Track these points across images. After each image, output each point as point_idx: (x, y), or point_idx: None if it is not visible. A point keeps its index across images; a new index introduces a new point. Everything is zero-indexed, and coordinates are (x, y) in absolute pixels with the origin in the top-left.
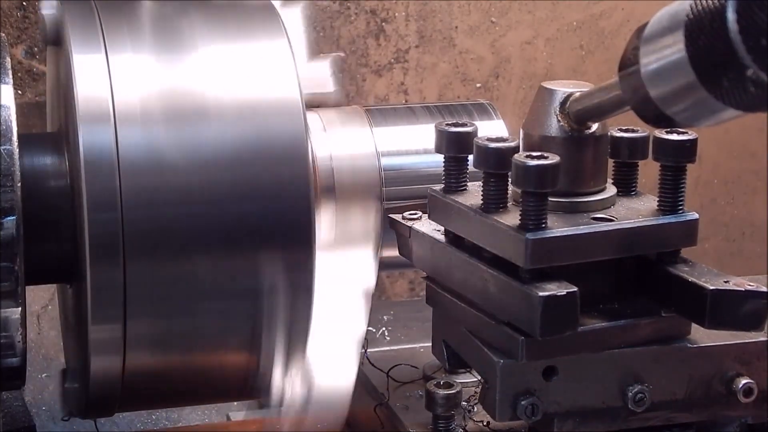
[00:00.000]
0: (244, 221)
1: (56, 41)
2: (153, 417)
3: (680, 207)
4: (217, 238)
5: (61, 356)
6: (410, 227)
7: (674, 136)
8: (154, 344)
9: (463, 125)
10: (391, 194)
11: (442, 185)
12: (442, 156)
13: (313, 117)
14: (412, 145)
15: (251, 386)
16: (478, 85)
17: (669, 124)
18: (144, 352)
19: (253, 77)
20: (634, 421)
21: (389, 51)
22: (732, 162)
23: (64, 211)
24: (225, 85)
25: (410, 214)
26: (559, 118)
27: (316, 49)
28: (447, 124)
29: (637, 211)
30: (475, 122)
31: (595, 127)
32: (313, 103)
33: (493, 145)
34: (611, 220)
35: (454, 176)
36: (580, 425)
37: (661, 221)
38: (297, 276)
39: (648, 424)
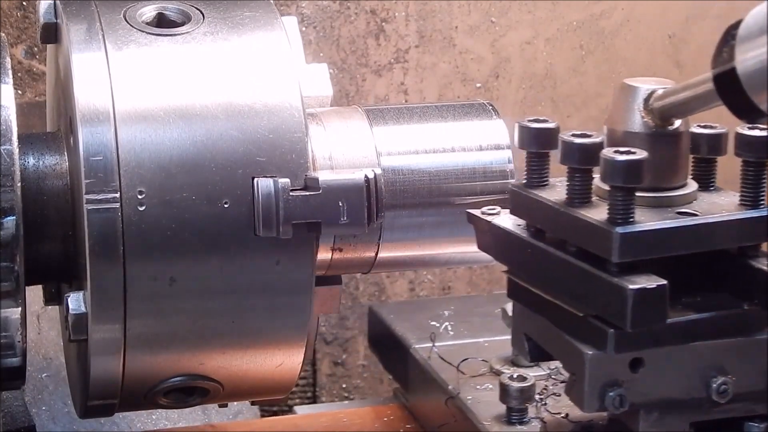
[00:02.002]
0: (245, 221)
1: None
2: (153, 417)
3: (762, 202)
4: (218, 237)
5: (61, 356)
6: (490, 222)
7: (756, 132)
8: (155, 344)
9: (545, 122)
10: (391, 194)
11: (524, 181)
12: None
13: (312, 116)
14: (412, 145)
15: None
16: (478, 85)
17: (761, 115)
18: (144, 352)
19: (253, 76)
20: (716, 412)
21: (389, 51)
22: None
23: (64, 211)
24: (225, 84)
25: (489, 209)
26: (643, 115)
27: (316, 49)
28: (529, 121)
29: (720, 205)
30: (476, 122)
31: (678, 123)
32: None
33: (578, 141)
34: (695, 215)
35: (536, 172)
36: (665, 416)
37: (743, 216)
38: (297, 276)
39: (729, 415)
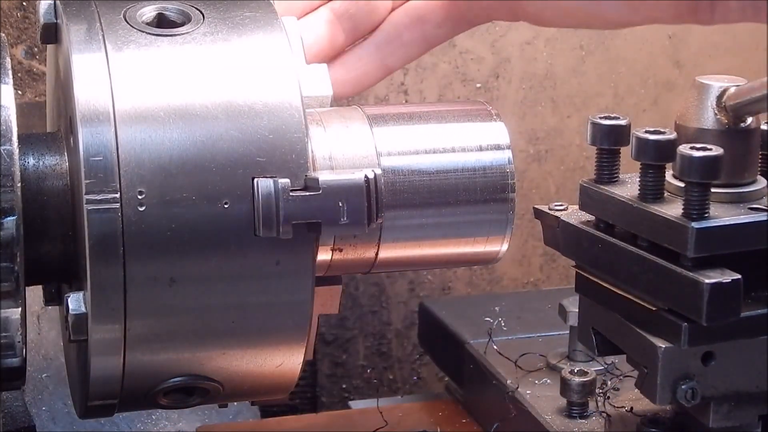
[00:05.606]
0: (245, 221)
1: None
2: (153, 417)
3: None
4: (218, 238)
5: (61, 356)
6: (558, 218)
7: None
8: (155, 344)
9: (617, 118)
10: (391, 194)
11: (594, 177)
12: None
13: (312, 117)
14: (412, 145)
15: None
16: (478, 85)
17: None
18: (144, 352)
19: (253, 76)
20: None
21: None
22: None
23: (64, 212)
24: (225, 84)
25: (557, 205)
26: (716, 112)
27: None
28: (601, 117)
29: None
30: (476, 122)
31: (750, 120)
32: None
33: (653, 137)
34: (767, 211)
35: (607, 168)
36: (735, 409)
37: None
38: (297, 276)
39: None
